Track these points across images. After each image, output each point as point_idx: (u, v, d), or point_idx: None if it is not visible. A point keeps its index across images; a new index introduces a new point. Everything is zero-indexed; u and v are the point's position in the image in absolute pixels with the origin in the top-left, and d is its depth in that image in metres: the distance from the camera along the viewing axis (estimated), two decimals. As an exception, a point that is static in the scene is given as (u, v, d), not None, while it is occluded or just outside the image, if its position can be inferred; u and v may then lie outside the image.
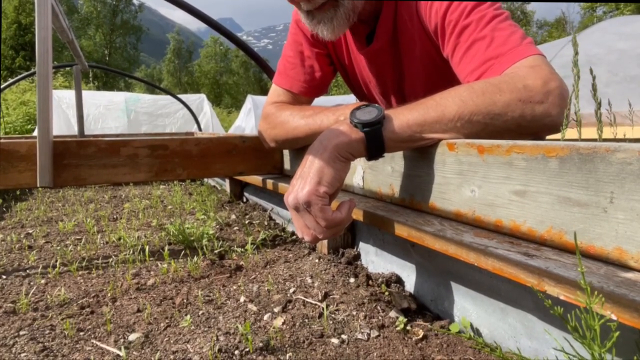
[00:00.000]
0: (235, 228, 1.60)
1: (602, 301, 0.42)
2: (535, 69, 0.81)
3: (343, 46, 1.29)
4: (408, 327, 0.78)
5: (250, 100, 9.20)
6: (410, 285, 0.96)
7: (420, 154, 0.85)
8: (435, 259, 0.87)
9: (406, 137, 0.79)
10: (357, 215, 0.97)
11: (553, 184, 0.57)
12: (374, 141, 0.78)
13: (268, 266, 1.15)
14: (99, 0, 37.89)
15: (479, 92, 0.77)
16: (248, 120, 9.00)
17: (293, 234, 1.47)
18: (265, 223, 1.65)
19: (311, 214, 0.77)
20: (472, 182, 0.72)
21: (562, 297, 0.48)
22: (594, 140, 0.58)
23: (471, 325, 0.77)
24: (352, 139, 0.78)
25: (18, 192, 2.68)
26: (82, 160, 1.31)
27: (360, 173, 1.11)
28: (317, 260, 1.14)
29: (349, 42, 1.27)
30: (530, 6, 42.58)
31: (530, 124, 0.77)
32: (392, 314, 0.82)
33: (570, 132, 0.69)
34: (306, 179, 0.77)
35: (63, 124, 7.53)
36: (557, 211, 0.57)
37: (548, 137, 0.84)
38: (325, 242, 1.20)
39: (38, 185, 1.19)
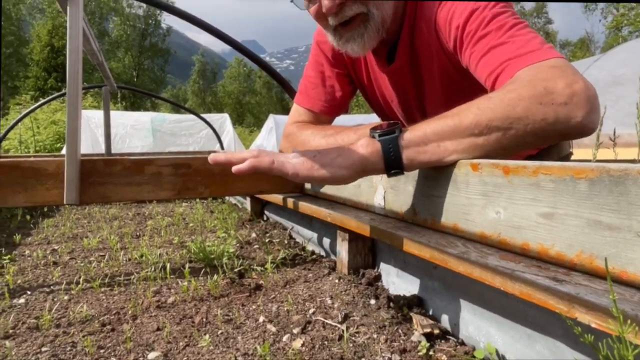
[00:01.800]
0: (256, 246, 1.60)
1: (635, 330, 0.40)
2: (556, 69, 0.77)
3: (362, 66, 1.30)
4: (431, 352, 0.75)
5: (272, 120, 9.32)
6: (432, 308, 0.93)
7: (442, 174, 0.83)
8: (459, 282, 0.85)
9: (422, 146, 0.78)
10: (379, 235, 0.95)
11: (582, 207, 0.55)
12: (390, 151, 0.78)
13: (288, 286, 1.14)
14: (129, 24, 39.28)
15: (496, 100, 0.76)
16: (269, 138, 9.10)
17: (313, 253, 1.46)
18: (285, 242, 1.64)
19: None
20: (497, 204, 0.70)
21: (593, 325, 0.46)
22: (631, 161, 0.56)
23: (497, 352, 0.74)
24: (368, 151, 0.78)
25: (45, 209, 2.75)
26: (108, 179, 1.33)
27: (381, 193, 1.10)
28: (337, 281, 1.13)
29: (369, 61, 1.28)
30: (553, 26, 42.35)
31: (555, 127, 0.73)
32: (415, 337, 0.80)
33: (603, 152, 0.67)
34: (313, 162, 0.79)
35: (90, 143, 7.76)
36: (587, 235, 0.55)
37: (577, 157, 0.82)
38: (345, 261, 1.18)
39: (65, 202, 1.22)
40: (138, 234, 1.93)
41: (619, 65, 4.76)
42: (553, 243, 0.60)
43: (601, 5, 34.64)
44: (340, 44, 1.10)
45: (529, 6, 41.78)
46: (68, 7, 1.30)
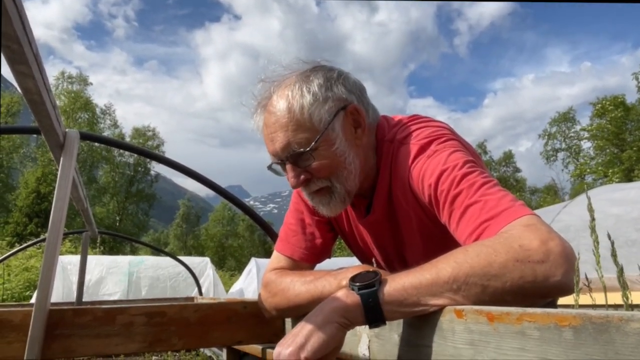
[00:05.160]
0: (231, 407, 1.45)
1: None
2: (531, 227, 0.80)
3: (343, 215, 1.35)
4: None
5: (253, 263, 9.21)
6: None
7: (427, 322, 0.81)
8: None
9: (402, 301, 0.78)
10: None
11: (571, 357, 0.53)
12: (370, 304, 0.78)
13: None
14: (118, 171, 40.82)
15: (473, 255, 0.78)
16: (250, 282, 8.87)
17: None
18: (264, 400, 1.49)
19: None
20: (486, 354, 0.67)
21: None
22: (619, 306, 0.56)
23: None
24: (348, 303, 0.79)
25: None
26: (75, 330, 1.25)
27: (365, 342, 1.05)
28: None
29: (349, 211, 1.33)
30: (521, 173, 45.56)
31: (534, 285, 0.74)
32: None
33: (584, 298, 0.67)
34: (294, 338, 0.78)
35: (62, 291, 7.42)
36: (582, 388, 0.52)
37: (561, 301, 0.81)
38: None
39: (25, 358, 1.12)
40: (100, 393, 1.74)
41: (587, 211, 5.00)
42: (549, 398, 0.56)
43: (561, 156, 38.02)
44: (312, 203, 1.19)
45: (497, 156, 45.46)
46: (62, 158, 1.37)
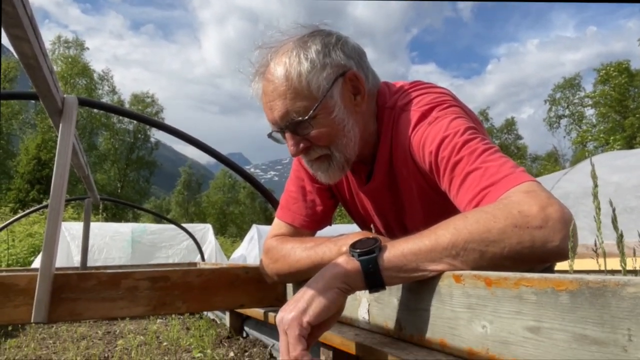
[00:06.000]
0: (234, 367, 1.49)
1: None
2: (531, 194, 0.80)
3: (344, 182, 1.35)
4: None
5: (254, 230, 9.29)
6: None
7: (426, 287, 0.82)
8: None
9: (401, 266, 0.79)
10: (364, 352, 0.91)
11: (567, 320, 0.54)
12: (370, 270, 0.79)
13: (267, 413, 1.04)
14: (117, 138, 40.64)
15: (472, 220, 0.78)
16: (251, 249, 8.98)
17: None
18: (266, 361, 1.54)
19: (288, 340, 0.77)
20: (483, 317, 0.69)
21: None
22: (610, 272, 0.57)
23: None
24: (348, 269, 0.80)
25: (10, 328, 2.57)
26: (80, 294, 1.28)
27: (365, 306, 1.07)
28: (321, 406, 1.04)
29: (350, 178, 1.33)
30: (523, 141, 45.33)
31: (532, 251, 0.75)
32: None
33: (583, 263, 0.68)
34: (296, 303, 0.79)
35: (64, 255, 7.52)
36: (575, 350, 0.53)
37: (558, 267, 0.82)
38: (330, 383, 1.10)
39: (32, 321, 1.15)
40: (106, 355, 1.79)
41: (588, 178, 5.01)
42: None
43: (564, 123, 37.70)
44: (311, 170, 1.20)
45: (499, 123, 45.11)
46: (61, 124, 1.36)
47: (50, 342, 2.14)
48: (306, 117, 1.07)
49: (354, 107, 1.14)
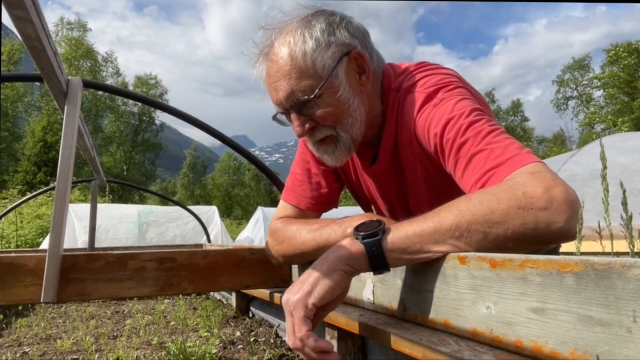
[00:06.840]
0: (240, 346, 1.52)
1: None
2: (536, 175, 0.79)
3: (350, 164, 1.35)
4: None
5: (260, 212, 9.34)
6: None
7: (431, 268, 0.83)
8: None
9: (405, 248, 0.80)
10: (368, 332, 0.92)
11: (571, 301, 0.55)
12: (374, 253, 0.80)
13: (273, 391, 1.06)
14: (123, 120, 40.64)
15: (476, 202, 0.78)
16: (257, 231, 9.04)
17: (301, 353, 1.38)
18: (272, 341, 1.56)
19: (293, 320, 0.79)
20: (487, 298, 0.69)
21: None
22: (616, 254, 0.57)
23: None
24: (352, 252, 0.81)
25: (20, 308, 2.62)
26: (88, 275, 1.29)
27: (370, 287, 1.08)
28: (326, 384, 1.06)
29: (355, 160, 1.32)
30: (529, 123, 44.90)
31: (536, 232, 0.74)
32: None
33: (589, 245, 0.68)
34: (302, 285, 0.81)
35: (71, 236, 7.61)
36: (579, 331, 0.54)
37: (564, 249, 0.82)
38: (334, 362, 1.12)
39: (41, 300, 1.17)
40: (115, 334, 1.83)
41: (595, 160, 4.99)
42: (546, 340, 0.58)
43: (571, 104, 37.24)
44: (317, 153, 1.19)
45: (505, 106, 44.64)
46: (65, 106, 1.36)
47: (60, 321, 2.18)
48: (312, 96, 1.06)
49: (359, 86, 1.13)
